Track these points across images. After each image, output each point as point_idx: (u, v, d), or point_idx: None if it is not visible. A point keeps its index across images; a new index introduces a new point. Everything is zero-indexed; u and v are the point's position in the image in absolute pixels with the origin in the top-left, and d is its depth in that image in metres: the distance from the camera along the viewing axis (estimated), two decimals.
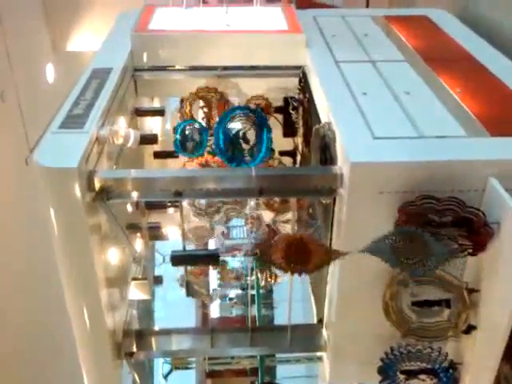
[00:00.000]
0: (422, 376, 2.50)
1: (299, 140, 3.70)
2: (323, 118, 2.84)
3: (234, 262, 4.56)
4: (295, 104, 3.64)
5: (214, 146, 3.14)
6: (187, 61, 3.61)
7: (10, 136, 6.33)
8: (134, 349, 2.88)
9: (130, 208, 3.31)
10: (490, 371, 2.31)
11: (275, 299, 11.79)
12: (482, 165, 2.24)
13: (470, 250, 2.19)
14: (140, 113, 3.58)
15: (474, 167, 2.24)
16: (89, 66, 3.25)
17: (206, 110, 3.74)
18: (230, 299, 11.40)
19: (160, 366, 8.74)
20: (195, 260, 2.62)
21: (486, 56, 3.32)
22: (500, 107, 2.76)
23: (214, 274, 4.24)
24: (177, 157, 3.56)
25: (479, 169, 2.23)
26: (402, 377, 2.51)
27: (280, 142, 3.80)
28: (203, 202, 3.48)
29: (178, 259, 2.51)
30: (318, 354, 3.11)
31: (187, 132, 3.31)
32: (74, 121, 2.58)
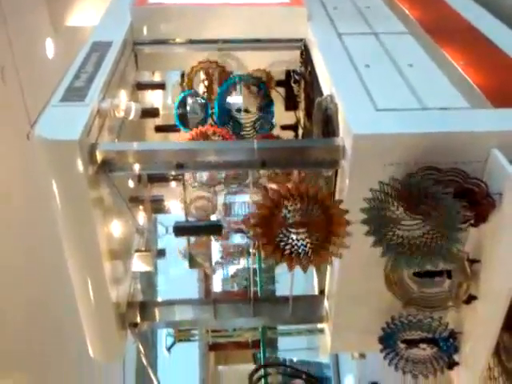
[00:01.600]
0: (423, 345, 2.53)
1: (301, 114, 3.68)
2: (325, 91, 2.83)
3: (236, 236, 4.59)
4: (297, 77, 3.62)
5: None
6: (188, 34, 3.57)
7: (10, 112, 6.30)
8: (138, 319, 2.92)
9: (132, 181, 3.32)
10: (490, 340, 2.34)
11: (277, 274, 11.90)
12: (485, 136, 2.23)
13: (472, 221, 2.20)
14: (141, 86, 3.56)
15: (476, 139, 2.24)
16: (88, 39, 3.22)
17: (206, 83, 3.72)
18: (232, 276, 11.52)
19: (163, 338, 8.91)
20: (198, 231, 2.64)
21: (489, 27, 3.28)
22: (503, 78, 2.74)
23: (216, 247, 4.26)
24: (178, 130, 3.55)
25: (482, 140, 2.23)
26: (402, 346, 2.55)
27: (282, 116, 3.79)
28: (205, 178, 3.48)
29: (180, 230, 2.53)
30: (320, 326, 3.14)
31: (188, 107, 3.30)
32: (74, 94, 2.57)
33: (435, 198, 2.07)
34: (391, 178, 2.17)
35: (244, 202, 4.03)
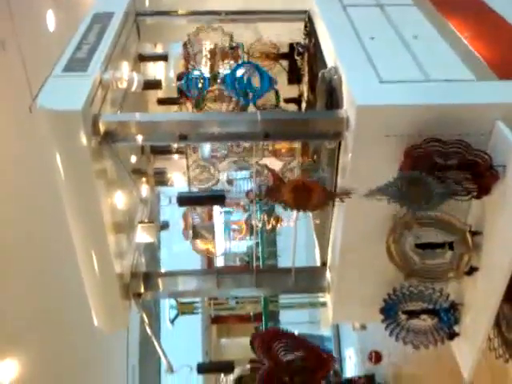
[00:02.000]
0: (424, 316, 2.55)
1: (304, 87, 3.66)
2: (329, 63, 2.80)
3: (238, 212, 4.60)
4: (300, 50, 3.58)
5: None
6: (190, 5, 3.53)
7: (11, 85, 6.27)
8: (142, 290, 2.95)
9: (135, 154, 3.32)
10: (491, 312, 2.36)
11: (279, 248, 11.98)
12: (489, 108, 2.22)
13: (475, 193, 2.20)
14: (143, 58, 3.53)
15: (480, 110, 2.23)
16: (90, 10, 3.19)
17: (209, 56, 3.69)
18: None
19: (166, 311, 9.00)
20: (201, 201, 2.64)
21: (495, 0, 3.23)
22: (509, 50, 2.71)
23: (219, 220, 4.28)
24: (180, 103, 3.54)
25: (486, 112, 2.22)
26: (403, 317, 2.57)
27: (285, 90, 3.77)
28: (207, 154, 3.48)
29: (184, 200, 2.54)
30: (321, 299, 3.17)
31: (190, 80, 3.28)
32: (76, 64, 2.55)
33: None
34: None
35: (246, 178, 4.03)
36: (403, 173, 2.18)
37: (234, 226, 5.07)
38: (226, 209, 4.61)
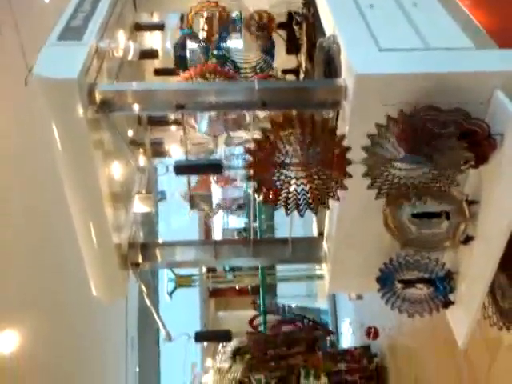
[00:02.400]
0: (419, 285, 2.58)
1: (303, 57, 3.62)
2: (328, 32, 2.77)
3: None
4: (299, 19, 3.54)
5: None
6: None
7: (7, 58, 6.21)
8: (140, 260, 2.97)
9: (132, 125, 3.30)
10: (486, 280, 2.38)
11: (276, 222, 12.04)
12: (488, 76, 2.20)
13: (473, 163, 2.20)
14: (139, 27, 3.49)
15: (479, 79, 2.21)
16: None
17: (206, 27, 3.64)
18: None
19: (165, 284, 9.11)
20: (198, 169, 2.64)
21: None
22: (510, 19, 2.68)
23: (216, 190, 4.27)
24: (178, 74, 3.50)
25: (485, 81, 2.20)
26: (399, 286, 2.59)
27: (283, 60, 3.73)
28: (205, 129, 3.45)
29: (181, 168, 2.53)
30: (318, 272, 3.20)
31: (188, 50, 3.24)
32: (72, 33, 2.52)
33: (439, 139, 2.07)
34: (392, 118, 2.15)
35: (241, 154, 4.02)
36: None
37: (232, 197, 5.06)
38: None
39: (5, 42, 6.15)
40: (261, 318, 7.55)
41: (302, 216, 2.17)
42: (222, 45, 3.41)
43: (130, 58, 2.66)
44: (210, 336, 4.06)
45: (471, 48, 2.39)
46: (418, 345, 5.56)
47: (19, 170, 6.26)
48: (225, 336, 3.26)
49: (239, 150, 3.91)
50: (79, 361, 8.59)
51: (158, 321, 3.01)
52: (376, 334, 7.28)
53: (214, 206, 3.81)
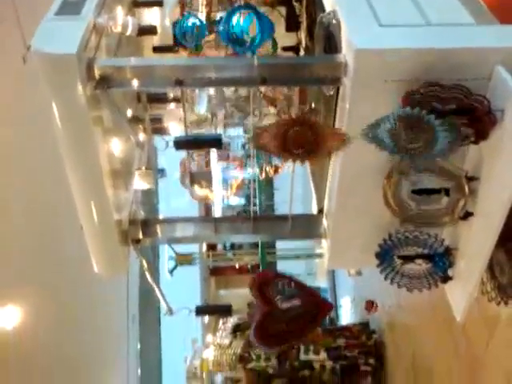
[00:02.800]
0: (418, 260, 2.59)
1: (302, 34, 3.59)
2: (328, 8, 2.74)
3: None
4: None
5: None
6: None
7: (5, 37, 6.14)
8: (140, 236, 2.98)
9: (131, 102, 3.29)
10: (484, 256, 2.40)
11: (276, 201, 12.08)
12: (489, 52, 2.19)
13: (473, 139, 2.20)
14: (138, 4, 3.45)
15: (480, 55, 2.20)
16: None
17: (205, 3, 3.61)
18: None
19: (165, 262, 9.15)
20: (198, 144, 2.63)
21: None
22: None
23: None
24: (176, 51, 3.48)
25: (486, 56, 2.19)
26: (398, 261, 2.61)
27: (283, 37, 3.70)
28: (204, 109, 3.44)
29: (181, 143, 2.52)
30: (318, 251, 3.21)
31: (186, 25, 3.22)
32: (70, 8, 2.49)
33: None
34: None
35: (242, 135, 4.03)
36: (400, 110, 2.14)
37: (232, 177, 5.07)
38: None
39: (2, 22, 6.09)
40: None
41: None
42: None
43: (128, 33, 2.64)
44: (210, 310, 4.10)
45: (472, 24, 2.38)
46: (416, 321, 5.62)
47: (20, 157, 6.26)
48: (225, 310, 3.29)
49: (239, 131, 3.92)
50: (80, 338, 8.69)
51: (158, 294, 3.04)
52: (374, 308, 7.34)
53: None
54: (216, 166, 3.88)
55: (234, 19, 2.97)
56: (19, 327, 6.32)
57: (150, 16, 4.00)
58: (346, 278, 9.16)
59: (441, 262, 2.58)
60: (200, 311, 3.31)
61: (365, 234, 2.68)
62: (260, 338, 2.52)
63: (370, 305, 7.41)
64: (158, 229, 3.02)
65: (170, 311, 3.03)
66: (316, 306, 2.70)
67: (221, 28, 2.88)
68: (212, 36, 3.55)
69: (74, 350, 8.37)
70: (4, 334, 6.16)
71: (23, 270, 6.35)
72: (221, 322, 7.72)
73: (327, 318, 8.54)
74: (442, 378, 4.89)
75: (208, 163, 3.68)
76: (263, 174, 3.83)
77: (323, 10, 2.81)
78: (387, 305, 6.96)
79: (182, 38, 3.17)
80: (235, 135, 4.19)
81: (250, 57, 2.74)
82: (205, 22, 3.39)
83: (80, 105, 2.35)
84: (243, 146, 4.37)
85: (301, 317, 2.68)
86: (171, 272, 8.09)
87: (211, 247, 10.62)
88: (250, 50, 2.93)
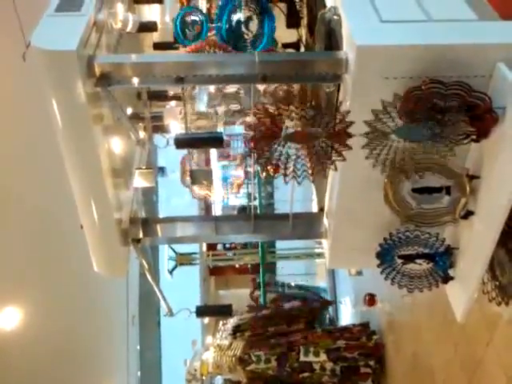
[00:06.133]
0: (419, 260, 2.58)
1: (303, 31, 3.58)
2: (329, 4, 2.73)
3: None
4: None
5: (215, 36, 3.05)
6: None
7: (5, 34, 6.14)
8: (141, 235, 2.96)
9: (132, 100, 3.27)
10: (485, 256, 2.38)
11: (276, 200, 12.06)
12: (491, 49, 2.18)
13: (474, 137, 2.18)
14: (138, 0, 3.43)
15: (482, 51, 2.18)
16: None
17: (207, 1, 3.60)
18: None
19: (165, 263, 9.14)
20: (199, 142, 2.61)
21: None
22: None
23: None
24: (177, 48, 3.47)
25: (488, 53, 2.17)
26: (399, 261, 2.59)
27: (283, 34, 3.69)
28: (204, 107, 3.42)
29: (182, 142, 2.51)
30: (317, 250, 3.19)
31: (187, 20, 3.20)
32: (70, 4, 2.48)
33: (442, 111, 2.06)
34: (394, 94, 2.13)
35: (242, 133, 4.00)
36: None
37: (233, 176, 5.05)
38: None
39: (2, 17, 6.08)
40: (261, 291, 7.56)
41: (299, 184, 2.17)
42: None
43: (128, 29, 2.63)
44: (210, 311, 4.08)
45: (474, 20, 2.36)
46: (416, 321, 5.59)
47: (20, 146, 6.24)
48: (226, 310, 3.27)
49: (239, 129, 3.89)
50: (80, 339, 8.67)
51: (159, 295, 3.02)
52: (373, 301, 7.31)
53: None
54: (216, 164, 3.86)
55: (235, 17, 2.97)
56: (18, 328, 6.31)
57: (150, 11, 4.00)
58: (346, 278, 9.13)
59: (441, 262, 2.57)
60: (200, 312, 3.29)
61: (366, 233, 2.67)
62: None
63: (371, 298, 7.38)
64: (159, 228, 3.01)
65: (171, 312, 3.01)
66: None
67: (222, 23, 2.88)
68: (213, 34, 3.53)
69: (73, 351, 8.36)
70: (3, 335, 6.15)
71: (22, 270, 6.34)
72: (221, 322, 7.70)
73: (327, 318, 8.52)
74: (443, 378, 4.87)
75: (208, 161, 3.66)
76: (264, 174, 3.79)
77: (324, 6, 2.80)
78: (387, 305, 6.94)
79: (181, 36, 3.15)
80: (236, 133, 4.17)
81: (251, 54, 2.72)
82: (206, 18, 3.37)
83: (80, 102, 2.34)
84: (244, 145, 4.35)
85: (302, 317, 2.66)
86: (171, 272, 8.08)
87: (211, 247, 10.61)
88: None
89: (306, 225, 3.03)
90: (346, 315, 9.83)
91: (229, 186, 5.77)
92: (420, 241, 2.57)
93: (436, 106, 2.14)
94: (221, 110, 3.09)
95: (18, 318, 6.27)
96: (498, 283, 2.59)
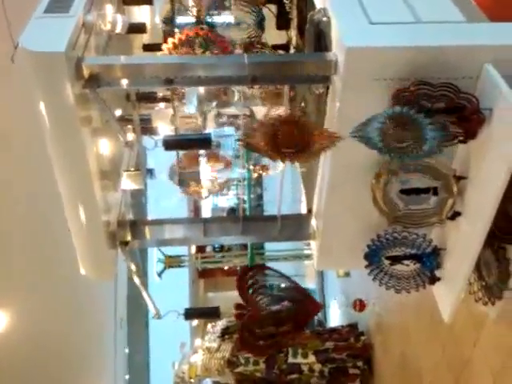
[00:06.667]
0: (406, 261, 2.60)
1: (293, 32, 3.59)
2: (318, 6, 2.74)
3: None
4: None
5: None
6: None
7: None
8: (129, 238, 2.95)
9: (120, 102, 3.26)
10: (472, 256, 2.40)
11: (265, 201, 12.07)
12: (478, 50, 2.20)
13: (461, 138, 2.21)
14: (128, 1, 3.42)
15: (470, 53, 2.21)
16: None
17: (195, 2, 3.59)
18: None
19: (154, 265, 9.09)
20: (188, 144, 2.61)
21: None
22: None
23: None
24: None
25: (475, 55, 2.20)
26: (386, 262, 2.61)
27: (273, 36, 3.70)
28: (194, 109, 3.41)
29: (170, 143, 2.51)
30: (306, 252, 3.20)
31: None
32: (59, 5, 2.47)
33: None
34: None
35: (232, 135, 4.01)
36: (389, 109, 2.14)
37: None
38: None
39: None
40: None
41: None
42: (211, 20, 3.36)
43: (117, 31, 2.62)
44: (199, 313, 4.08)
45: (462, 21, 2.39)
46: (404, 322, 5.63)
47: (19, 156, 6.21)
48: (214, 313, 3.27)
49: (229, 129, 3.89)
50: (68, 342, 8.61)
51: (146, 298, 3.01)
52: (363, 306, 7.34)
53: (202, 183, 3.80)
54: (205, 165, 3.86)
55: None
56: (6, 331, 6.26)
57: (140, 14, 3.98)
58: (334, 280, 9.16)
59: (428, 263, 2.59)
60: (189, 315, 3.29)
61: (354, 234, 2.68)
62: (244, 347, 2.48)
63: (359, 304, 7.40)
64: (147, 230, 2.99)
65: (158, 315, 3.00)
66: (304, 307, 2.69)
67: None
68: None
69: (61, 354, 8.30)
70: None
71: (10, 273, 6.29)
72: (209, 325, 7.68)
73: (315, 319, 8.52)
74: (430, 378, 4.90)
75: (195, 161, 3.65)
76: (255, 174, 3.81)
77: (314, 8, 2.81)
78: (376, 306, 6.97)
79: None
80: (225, 134, 4.16)
81: (241, 55, 2.73)
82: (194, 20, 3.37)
83: (68, 104, 2.32)
84: (233, 146, 4.36)
85: (290, 318, 2.67)
86: (160, 275, 8.05)
87: (200, 249, 10.59)
88: None
89: (295, 226, 3.04)
90: (335, 316, 9.86)
91: (217, 187, 5.75)
92: (407, 242, 2.58)
93: (424, 107, 2.16)
94: (210, 111, 3.10)
95: (4, 321, 6.22)
96: (484, 283, 2.62)
